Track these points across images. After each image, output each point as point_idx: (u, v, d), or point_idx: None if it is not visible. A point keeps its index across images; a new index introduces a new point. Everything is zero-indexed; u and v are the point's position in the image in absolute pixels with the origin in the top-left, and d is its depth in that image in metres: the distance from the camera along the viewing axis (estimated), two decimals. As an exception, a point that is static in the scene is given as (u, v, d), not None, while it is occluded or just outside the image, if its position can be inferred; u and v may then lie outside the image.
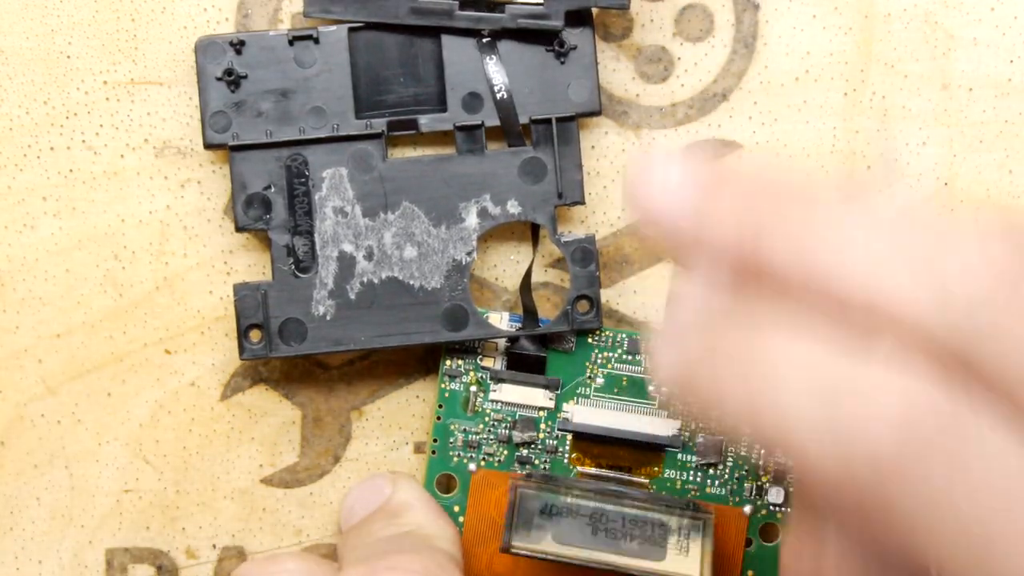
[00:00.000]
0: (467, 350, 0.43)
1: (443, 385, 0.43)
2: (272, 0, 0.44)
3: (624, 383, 0.42)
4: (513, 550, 0.40)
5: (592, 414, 0.42)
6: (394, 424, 0.44)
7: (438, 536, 0.41)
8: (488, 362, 0.43)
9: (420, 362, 0.44)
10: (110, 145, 0.44)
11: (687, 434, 0.41)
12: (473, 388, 0.43)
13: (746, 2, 0.44)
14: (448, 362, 0.43)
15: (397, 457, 0.44)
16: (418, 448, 0.44)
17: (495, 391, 0.43)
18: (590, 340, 0.42)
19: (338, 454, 0.45)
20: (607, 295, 0.44)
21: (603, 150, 0.44)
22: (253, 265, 0.44)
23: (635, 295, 0.44)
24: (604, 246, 0.44)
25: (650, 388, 0.42)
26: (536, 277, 0.44)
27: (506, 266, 0.44)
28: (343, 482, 0.45)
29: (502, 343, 0.43)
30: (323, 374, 0.44)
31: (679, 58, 0.44)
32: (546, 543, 0.40)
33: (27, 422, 0.44)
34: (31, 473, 0.44)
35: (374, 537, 0.41)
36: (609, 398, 0.42)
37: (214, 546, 0.45)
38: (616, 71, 0.44)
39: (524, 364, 0.43)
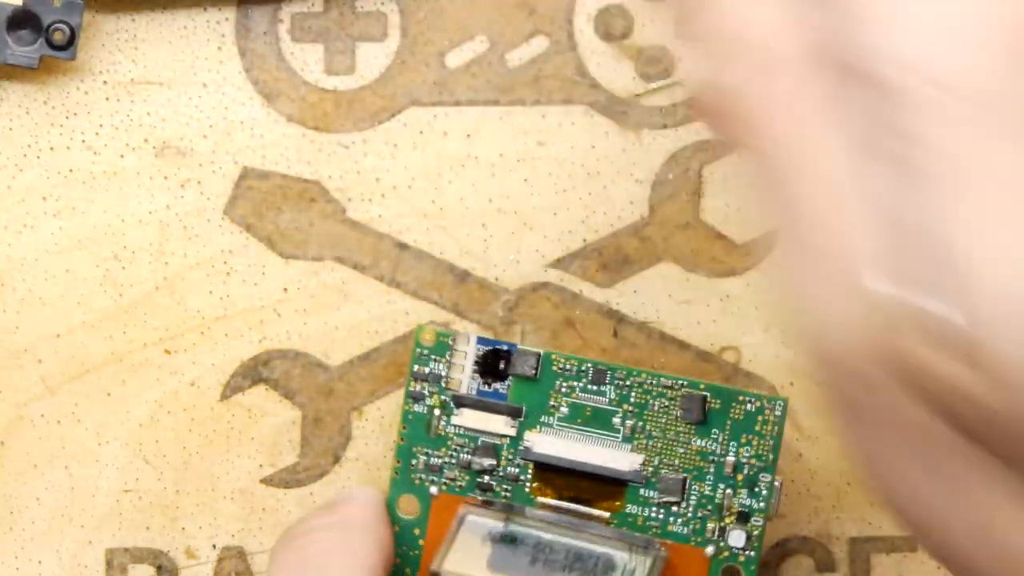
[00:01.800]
0: (432, 375, 0.42)
1: (407, 407, 0.42)
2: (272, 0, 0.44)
3: (588, 413, 0.41)
4: (443, 573, 0.39)
5: (555, 444, 0.41)
6: (394, 424, 0.44)
7: (371, 527, 0.41)
8: (454, 385, 0.42)
9: (420, 362, 0.44)
10: (110, 145, 0.44)
11: (650, 469, 0.40)
12: (437, 411, 0.42)
13: (746, 2, 0.44)
14: (413, 384, 0.42)
15: (397, 457, 0.45)
16: (418, 448, 0.45)
17: (457, 415, 0.42)
18: (554, 368, 0.41)
19: (338, 454, 0.45)
20: (607, 295, 0.44)
21: (603, 150, 0.44)
22: (253, 265, 0.44)
23: (635, 295, 0.44)
24: (604, 246, 0.44)
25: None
26: (536, 277, 0.44)
27: (506, 266, 0.44)
28: (343, 482, 0.44)
29: (469, 366, 0.42)
30: (323, 374, 0.44)
31: (680, 58, 0.44)
32: (479, 569, 0.39)
33: (27, 422, 0.44)
34: (31, 473, 0.44)
35: (306, 524, 0.41)
36: (573, 428, 0.41)
37: (214, 546, 0.45)
38: (616, 71, 0.44)
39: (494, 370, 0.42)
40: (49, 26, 0.42)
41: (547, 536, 0.40)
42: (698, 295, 0.44)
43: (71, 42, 0.42)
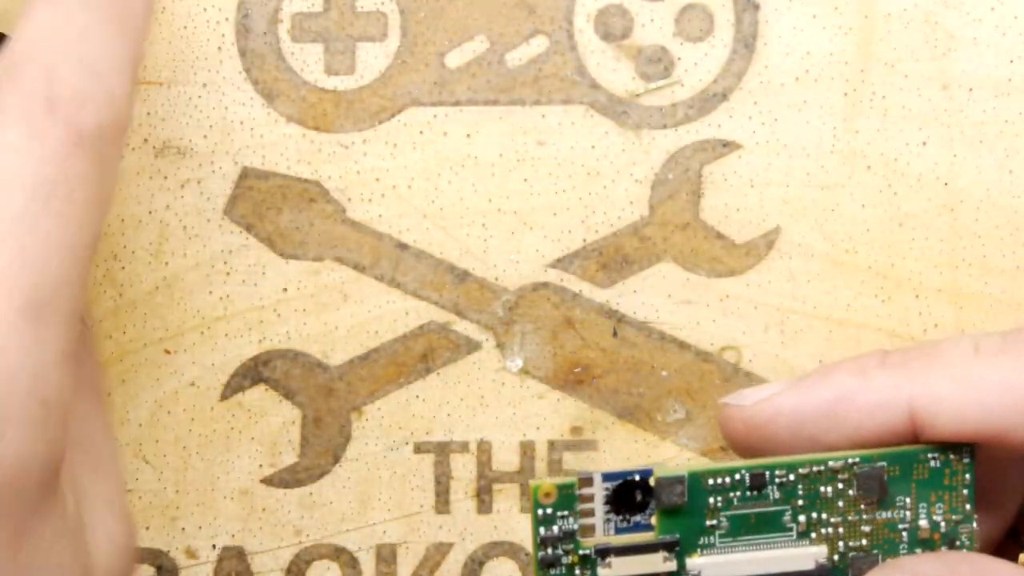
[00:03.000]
0: (562, 533, 0.36)
1: None
2: (272, 0, 0.44)
3: (753, 521, 0.36)
4: None
5: (725, 564, 0.35)
6: (394, 424, 0.44)
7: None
8: (587, 534, 0.36)
9: (420, 362, 0.44)
10: (110, 145, 0.44)
11: (836, 556, 0.35)
12: (578, 571, 0.36)
13: (746, 2, 0.44)
14: (543, 550, 0.36)
15: (397, 457, 0.44)
16: (418, 448, 0.44)
17: (604, 567, 0.36)
18: (704, 486, 0.36)
19: (338, 454, 0.45)
20: (607, 295, 0.44)
21: (603, 150, 0.44)
22: (253, 265, 0.44)
23: (635, 295, 0.44)
24: (604, 246, 0.44)
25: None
26: (536, 277, 0.44)
27: (506, 266, 0.44)
28: (343, 482, 0.45)
29: (600, 509, 0.36)
30: (323, 374, 0.44)
31: (679, 58, 0.44)
32: None
33: (27, 422, 0.44)
34: (31, 473, 0.44)
35: None
36: (740, 542, 0.36)
37: (214, 546, 0.45)
38: (616, 71, 0.44)
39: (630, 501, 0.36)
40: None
41: None
42: (698, 295, 0.44)
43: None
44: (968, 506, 0.36)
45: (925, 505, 0.36)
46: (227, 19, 0.44)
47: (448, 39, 0.44)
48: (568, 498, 0.36)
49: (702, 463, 0.38)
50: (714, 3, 0.44)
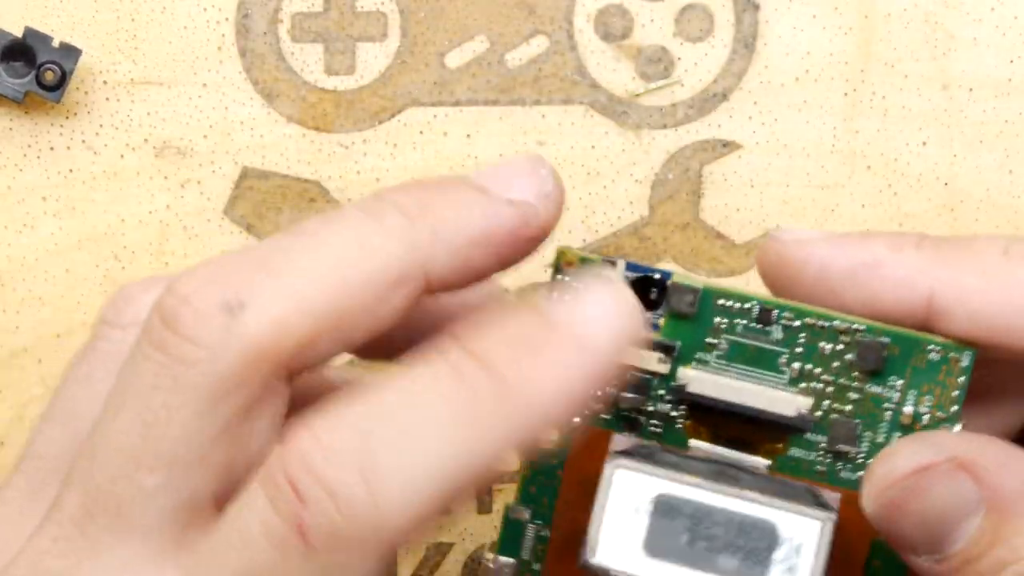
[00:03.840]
0: None
1: None
2: (272, 0, 0.44)
3: (751, 353, 0.36)
4: (599, 566, 0.34)
5: (712, 383, 0.36)
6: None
7: None
8: None
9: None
10: (110, 145, 0.44)
11: (818, 414, 0.36)
12: None
13: (746, 2, 0.44)
14: None
15: (397, 457, 0.44)
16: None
17: None
18: (715, 305, 0.36)
19: (338, 454, 0.45)
20: (607, 295, 0.44)
21: (603, 150, 0.44)
22: (253, 265, 0.44)
23: (635, 295, 0.44)
24: (604, 246, 0.44)
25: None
26: (536, 277, 0.44)
27: (506, 266, 0.44)
28: (343, 482, 0.44)
29: None
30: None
31: (679, 58, 0.44)
32: (636, 559, 0.35)
33: (27, 422, 0.44)
34: (31, 473, 0.44)
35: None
36: (733, 368, 0.36)
37: (214, 546, 0.45)
38: (616, 71, 0.44)
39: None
40: (42, 64, 0.42)
41: (705, 498, 0.35)
42: (698, 295, 0.44)
43: (60, 84, 0.42)
44: (955, 408, 0.36)
45: (915, 393, 0.36)
46: (227, 19, 0.44)
47: (448, 39, 0.44)
48: (587, 272, 0.36)
49: (722, 283, 0.38)
50: (714, 3, 0.44)
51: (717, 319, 0.36)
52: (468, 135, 0.44)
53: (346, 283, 0.30)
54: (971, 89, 0.44)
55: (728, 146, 0.44)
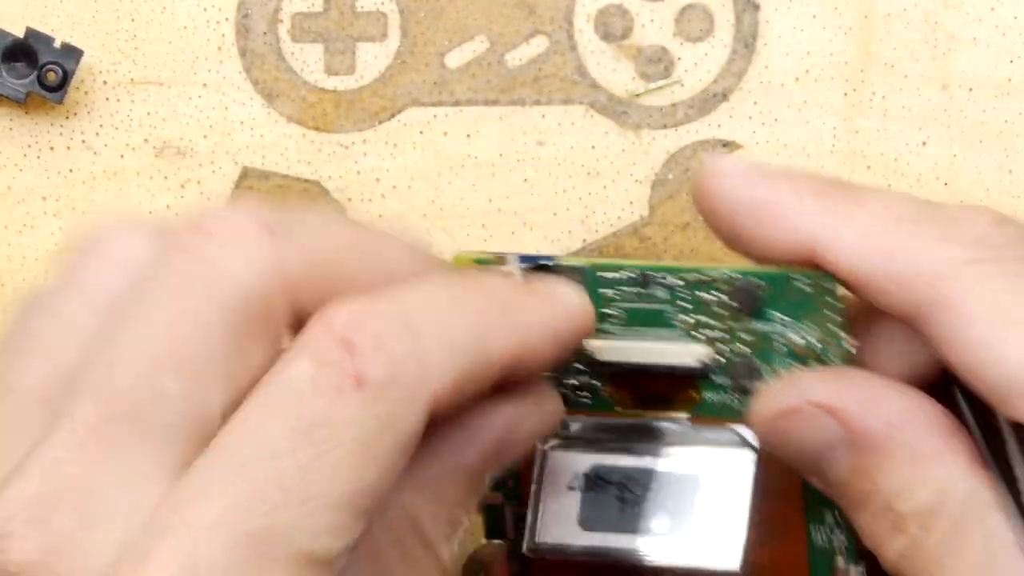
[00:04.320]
0: None
1: None
2: (272, 0, 0.44)
3: (644, 315, 0.38)
4: (539, 547, 0.36)
5: (620, 348, 0.38)
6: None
7: None
8: None
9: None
10: (110, 145, 0.44)
11: (723, 359, 0.38)
12: None
13: (746, 2, 0.44)
14: None
15: (397, 457, 0.44)
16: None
17: None
18: (601, 278, 0.38)
19: (338, 454, 0.45)
20: (607, 295, 0.44)
21: (603, 150, 0.44)
22: (253, 265, 0.44)
23: (635, 295, 0.44)
24: (604, 246, 0.44)
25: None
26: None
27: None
28: (343, 482, 0.44)
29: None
30: (323, 374, 0.44)
31: (679, 58, 0.44)
32: (572, 534, 0.37)
33: (27, 422, 0.44)
34: (31, 473, 0.44)
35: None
36: (632, 330, 0.38)
37: (214, 546, 0.45)
38: (616, 71, 0.44)
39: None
40: (44, 65, 0.42)
41: (630, 462, 0.37)
42: (698, 295, 0.44)
43: (62, 85, 0.42)
44: (840, 332, 0.37)
45: (797, 324, 0.37)
46: (227, 19, 0.44)
47: (448, 39, 0.44)
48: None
49: (604, 260, 0.40)
50: (714, 3, 0.44)
51: (603, 290, 0.38)
52: (468, 135, 0.44)
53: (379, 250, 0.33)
54: (971, 89, 0.44)
55: (728, 146, 0.44)
